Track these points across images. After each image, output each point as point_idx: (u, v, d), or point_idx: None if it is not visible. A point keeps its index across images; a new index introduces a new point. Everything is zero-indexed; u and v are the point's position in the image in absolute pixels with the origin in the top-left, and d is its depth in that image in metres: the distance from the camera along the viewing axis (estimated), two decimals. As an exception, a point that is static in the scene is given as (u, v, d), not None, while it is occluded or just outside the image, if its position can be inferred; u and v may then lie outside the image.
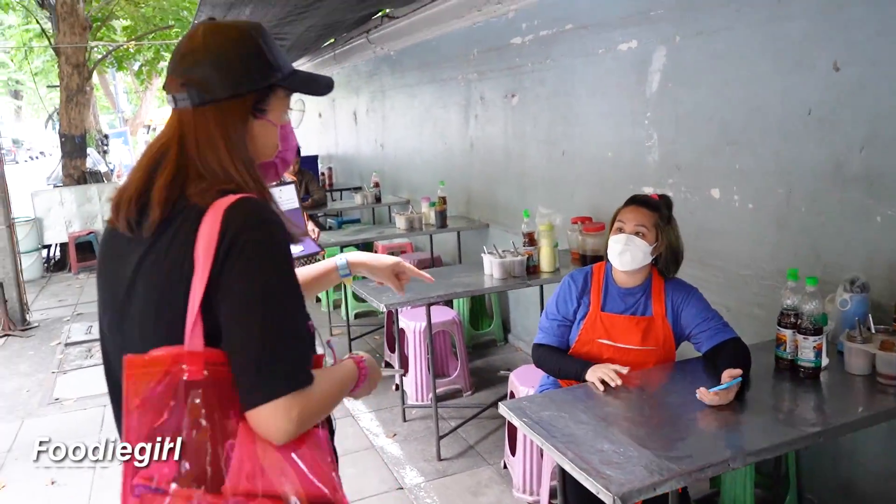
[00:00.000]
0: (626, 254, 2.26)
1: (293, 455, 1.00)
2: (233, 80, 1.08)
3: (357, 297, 6.19)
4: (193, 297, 0.98)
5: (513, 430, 3.14)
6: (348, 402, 3.94)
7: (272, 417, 0.96)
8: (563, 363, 2.30)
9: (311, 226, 5.28)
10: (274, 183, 1.34)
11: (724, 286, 2.93)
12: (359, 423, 3.78)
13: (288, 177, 5.28)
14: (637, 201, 2.34)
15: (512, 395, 3.09)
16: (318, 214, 6.47)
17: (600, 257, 3.57)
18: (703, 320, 2.25)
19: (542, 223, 3.48)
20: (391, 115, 6.94)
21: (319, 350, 1.13)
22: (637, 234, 2.26)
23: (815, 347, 2.02)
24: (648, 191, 3.33)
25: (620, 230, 2.30)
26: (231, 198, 1.02)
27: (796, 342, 2.06)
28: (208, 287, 0.98)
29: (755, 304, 2.81)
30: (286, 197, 3.43)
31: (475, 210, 5.27)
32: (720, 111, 2.88)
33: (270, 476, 0.98)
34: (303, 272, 1.50)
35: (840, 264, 2.45)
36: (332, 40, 7.25)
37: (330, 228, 7.62)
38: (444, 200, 5.07)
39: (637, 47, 3.32)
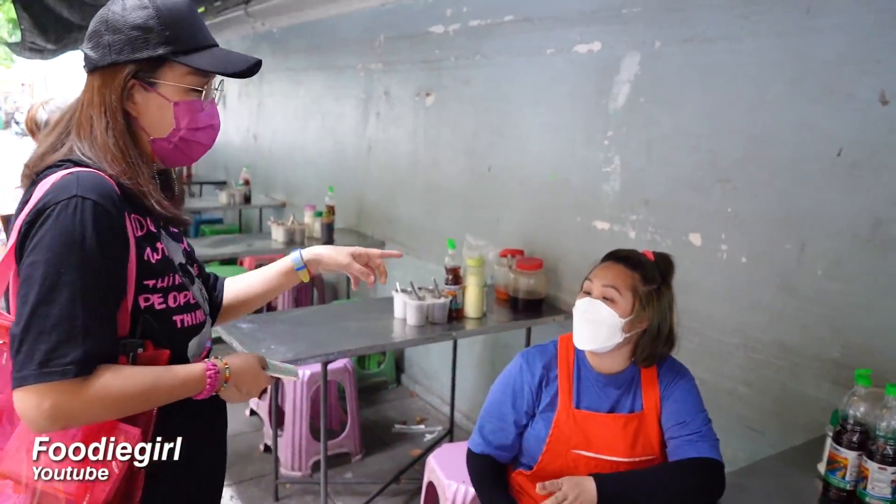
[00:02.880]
0: (583, 326, 1.60)
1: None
2: (113, 48, 1.09)
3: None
4: (3, 267, 1.02)
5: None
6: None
7: (21, 405, 0.95)
8: (492, 494, 1.68)
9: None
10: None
11: (700, 353, 2.37)
12: (215, 501, 2.88)
13: None
14: (616, 257, 1.66)
15: (430, 491, 2.35)
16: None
17: (537, 301, 2.97)
18: (679, 423, 1.60)
19: (470, 257, 2.78)
20: (268, 103, 5.98)
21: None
22: (604, 299, 1.60)
23: (893, 482, 1.46)
24: (602, 227, 2.73)
25: (586, 292, 1.64)
26: (68, 170, 1.04)
27: (864, 471, 1.50)
28: (16, 258, 1.01)
29: (740, 381, 2.27)
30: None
31: (368, 224, 4.48)
32: (710, 139, 2.32)
33: (14, 456, 1.00)
34: (257, 274, 1.47)
35: (866, 347, 1.94)
36: (203, 9, 6.16)
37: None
38: (332, 210, 4.25)
39: (601, 50, 2.71)
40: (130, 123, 1.11)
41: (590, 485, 1.44)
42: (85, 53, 1.12)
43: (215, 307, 1.41)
